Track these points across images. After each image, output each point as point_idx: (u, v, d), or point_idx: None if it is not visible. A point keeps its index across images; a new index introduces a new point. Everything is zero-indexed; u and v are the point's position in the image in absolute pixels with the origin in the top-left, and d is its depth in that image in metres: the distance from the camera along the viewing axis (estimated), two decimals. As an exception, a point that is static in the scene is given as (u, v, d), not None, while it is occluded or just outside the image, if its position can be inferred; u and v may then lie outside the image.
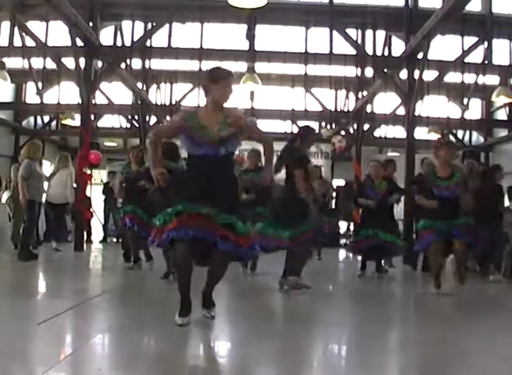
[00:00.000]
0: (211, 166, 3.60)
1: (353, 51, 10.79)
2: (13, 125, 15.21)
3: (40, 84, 13.00)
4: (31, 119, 16.16)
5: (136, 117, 14.61)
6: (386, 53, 12.53)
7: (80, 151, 9.80)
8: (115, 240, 12.11)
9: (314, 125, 14.10)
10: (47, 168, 12.10)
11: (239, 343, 3.41)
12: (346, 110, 14.96)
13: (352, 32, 11.75)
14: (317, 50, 12.11)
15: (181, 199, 3.56)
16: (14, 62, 11.51)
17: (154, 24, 11.00)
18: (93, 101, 10.42)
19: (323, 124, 15.13)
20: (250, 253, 3.76)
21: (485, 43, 11.59)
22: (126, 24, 12.98)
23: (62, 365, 2.70)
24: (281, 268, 5.48)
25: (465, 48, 11.73)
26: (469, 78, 11.73)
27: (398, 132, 15.10)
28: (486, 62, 11.58)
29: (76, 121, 12.27)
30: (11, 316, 3.84)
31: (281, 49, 12.33)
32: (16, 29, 10.69)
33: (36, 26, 11.95)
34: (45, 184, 8.22)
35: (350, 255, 9.45)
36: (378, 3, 12.45)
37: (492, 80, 11.78)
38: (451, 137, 14.85)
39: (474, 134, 16.47)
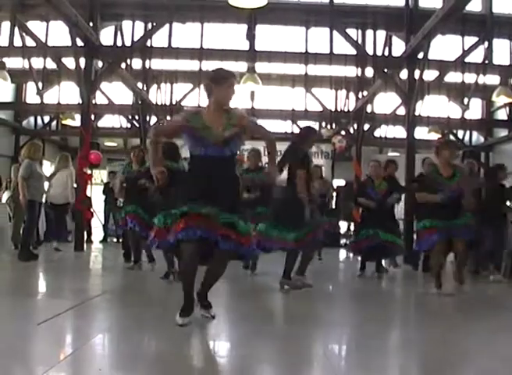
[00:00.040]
0: (214, 166, 3.61)
1: (353, 51, 10.79)
2: (13, 125, 15.21)
3: (40, 84, 12.99)
4: (31, 119, 16.16)
5: (137, 117, 14.60)
6: (387, 53, 12.53)
7: (80, 151, 9.80)
8: (115, 240, 12.12)
9: (315, 125, 14.12)
10: (47, 168, 12.12)
11: (238, 343, 3.40)
12: (346, 110, 14.95)
13: (352, 32, 11.77)
14: (317, 50, 12.13)
15: (185, 200, 3.56)
16: (14, 62, 11.50)
17: (155, 24, 11.01)
18: (93, 101, 10.42)
19: (323, 124, 15.12)
20: (251, 252, 3.78)
21: (486, 43, 11.60)
22: (127, 24, 12.99)
23: (62, 365, 2.70)
24: (281, 268, 5.47)
25: (465, 48, 11.75)
26: (469, 78, 11.73)
27: (398, 132, 15.10)
28: (486, 62, 11.59)
29: (76, 121, 12.26)
30: (11, 316, 3.84)
31: (281, 49, 12.34)
32: (16, 29, 10.70)
33: (36, 26, 11.96)
34: (45, 184, 8.22)
35: (351, 255, 9.44)
36: (379, 3, 12.45)
37: (493, 79, 11.78)
38: (451, 137, 14.85)
39: (475, 134, 16.46)
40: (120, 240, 9.95)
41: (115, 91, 14.35)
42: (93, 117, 12.20)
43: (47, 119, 16.17)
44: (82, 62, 9.65)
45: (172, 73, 12.99)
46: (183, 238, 3.48)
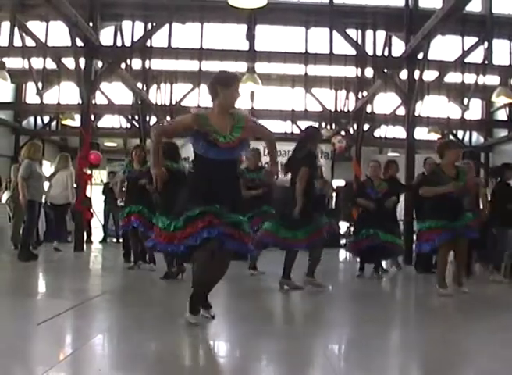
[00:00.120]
0: (223, 169, 3.62)
1: (353, 52, 10.80)
2: (13, 125, 15.22)
3: (40, 84, 12.99)
4: (31, 119, 16.18)
5: (137, 117, 14.60)
6: (386, 53, 12.53)
7: (80, 151, 9.80)
8: (114, 240, 12.12)
9: (314, 125, 14.09)
10: (47, 168, 12.10)
11: (238, 343, 3.41)
12: (346, 110, 14.96)
13: (352, 32, 11.76)
14: (317, 50, 12.12)
15: (196, 201, 3.53)
16: (14, 62, 11.51)
17: (154, 24, 11.01)
18: (93, 102, 10.43)
19: (323, 124, 15.13)
20: (253, 251, 3.86)
21: (485, 43, 11.60)
22: (126, 24, 12.99)
23: (62, 365, 2.69)
24: (281, 268, 5.48)
25: (465, 49, 11.74)
26: (469, 78, 11.73)
27: (398, 132, 15.09)
28: (486, 62, 11.59)
29: (76, 121, 12.27)
30: (11, 316, 3.84)
31: (281, 49, 12.33)
32: (16, 29, 10.70)
33: (36, 26, 11.95)
34: (45, 185, 8.22)
35: (350, 255, 9.43)
36: (379, 3, 12.45)
37: (493, 80, 11.78)
38: (451, 138, 14.83)
39: (474, 135, 16.47)
40: (120, 240, 9.96)
41: (115, 91, 14.36)
42: (93, 117, 12.20)
43: (47, 119, 16.18)
44: (82, 62, 9.65)
45: (172, 73, 13.00)
46: (206, 236, 3.42)
